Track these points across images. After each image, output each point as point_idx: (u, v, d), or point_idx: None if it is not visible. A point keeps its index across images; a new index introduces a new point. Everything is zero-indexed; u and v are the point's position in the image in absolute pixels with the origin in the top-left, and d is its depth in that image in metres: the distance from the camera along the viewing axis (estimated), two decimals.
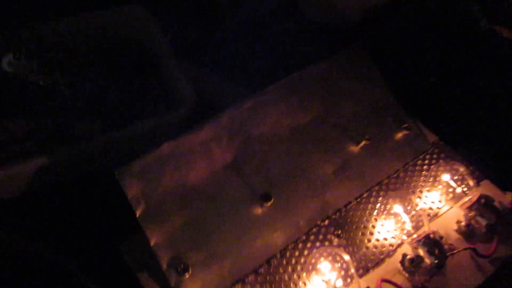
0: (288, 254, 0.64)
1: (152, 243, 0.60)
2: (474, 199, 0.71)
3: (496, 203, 0.71)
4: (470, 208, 0.70)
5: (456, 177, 0.74)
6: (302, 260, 0.63)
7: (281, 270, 0.62)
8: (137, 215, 0.60)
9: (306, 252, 0.64)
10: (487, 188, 0.74)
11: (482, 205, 0.71)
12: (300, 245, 0.64)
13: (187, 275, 0.59)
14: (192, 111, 0.80)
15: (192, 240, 0.62)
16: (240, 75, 0.99)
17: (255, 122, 0.71)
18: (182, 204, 0.63)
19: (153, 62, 0.92)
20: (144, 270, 0.62)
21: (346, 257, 0.61)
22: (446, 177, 0.74)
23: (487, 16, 0.93)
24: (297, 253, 0.64)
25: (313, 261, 0.61)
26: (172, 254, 0.60)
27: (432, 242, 0.65)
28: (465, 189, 0.73)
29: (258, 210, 0.66)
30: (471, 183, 0.73)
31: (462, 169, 0.74)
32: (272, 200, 0.65)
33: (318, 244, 0.65)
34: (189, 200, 0.64)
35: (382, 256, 0.66)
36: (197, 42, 1.03)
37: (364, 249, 0.66)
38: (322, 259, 0.61)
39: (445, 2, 0.96)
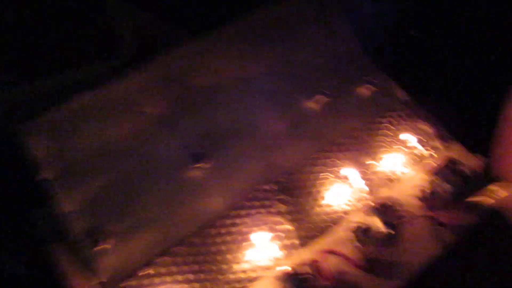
0: (221, 222, 0.56)
1: (63, 211, 0.51)
2: (442, 163, 0.64)
3: (464, 168, 0.64)
4: (435, 173, 0.63)
5: (422, 139, 0.66)
6: (235, 229, 0.55)
7: (213, 241, 0.55)
8: (46, 179, 0.51)
9: (238, 221, 0.56)
10: (456, 151, 0.67)
11: (449, 170, 0.63)
12: (233, 213, 0.56)
13: (105, 247, 0.51)
14: (133, 61, 0.70)
15: (112, 206, 0.54)
16: (194, 21, 0.88)
17: (194, 71, 0.63)
18: (101, 165, 0.55)
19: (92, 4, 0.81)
20: (55, 242, 0.53)
21: (286, 226, 0.54)
22: (410, 137, 0.67)
23: None
24: (229, 222, 0.56)
25: (244, 231, 0.54)
26: (88, 223, 0.53)
27: (387, 210, 0.58)
28: (431, 151, 0.65)
29: (192, 172, 0.57)
30: (438, 145, 0.66)
31: (429, 129, 0.67)
32: (206, 161, 0.57)
33: (255, 211, 0.57)
34: (110, 160, 0.56)
35: (331, 225, 0.59)
36: None
37: (312, 216, 0.59)
38: (255, 228, 0.53)
39: None
